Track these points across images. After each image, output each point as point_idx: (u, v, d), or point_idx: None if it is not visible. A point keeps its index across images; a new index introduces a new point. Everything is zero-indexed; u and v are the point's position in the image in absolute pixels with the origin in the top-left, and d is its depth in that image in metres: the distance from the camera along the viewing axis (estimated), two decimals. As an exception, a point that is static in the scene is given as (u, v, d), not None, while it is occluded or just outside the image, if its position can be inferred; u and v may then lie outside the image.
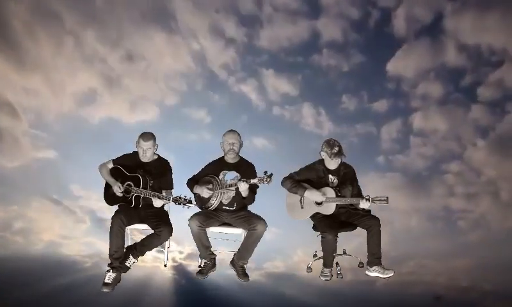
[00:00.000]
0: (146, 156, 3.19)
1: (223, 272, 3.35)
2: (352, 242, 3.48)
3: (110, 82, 6.22)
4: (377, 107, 6.68)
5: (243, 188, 3.01)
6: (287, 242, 5.12)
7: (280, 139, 6.58)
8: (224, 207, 3.21)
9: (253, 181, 2.96)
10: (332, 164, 3.21)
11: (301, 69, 6.64)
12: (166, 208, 3.32)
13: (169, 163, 3.33)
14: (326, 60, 6.63)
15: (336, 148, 3.13)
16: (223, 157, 3.33)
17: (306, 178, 3.29)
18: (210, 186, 3.12)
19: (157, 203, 3.05)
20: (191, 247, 3.48)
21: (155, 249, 3.17)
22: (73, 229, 5.61)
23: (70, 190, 5.82)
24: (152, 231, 3.09)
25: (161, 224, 3.05)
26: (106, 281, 2.93)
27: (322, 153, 3.21)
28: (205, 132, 6.36)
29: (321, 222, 3.22)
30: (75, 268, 5.03)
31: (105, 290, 2.91)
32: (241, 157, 3.33)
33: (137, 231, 3.29)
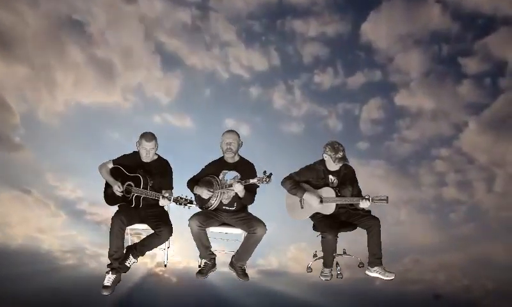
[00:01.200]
0: (149, 156, 3.18)
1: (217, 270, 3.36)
2: (352, 242, 3.49)
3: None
4: (353, 82, 5.99)
5: (238, 189, 3.01)
6: (281, 238, 4.99)
7: (252, 120, 6.06)
8: (224, 207, 3.21)
9: (252, 181, 2.96)
10: (334, 166, 3.21)
11: (267, 37, 6.00)
12: (165, 208, 3.32)
13: (169, 163, 3.33)
14: (292, 27, 6.02)
15: (341, 153, 3.13)
16: (223, 157, 3.33)
17: (306, 179, 3.29)
18: (211, 189, 3.12)
19: (163, 202, 3.05)
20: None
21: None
22: (50, 223, 5.30)
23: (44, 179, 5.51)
24: (152, 231, 3.08)
25: (161, 224, 3.05)
26: (106, 283, 2.93)
27: (325, 155, 3.21)
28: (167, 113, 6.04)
29: (321, 222, 3.22)
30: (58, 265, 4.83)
31: (105, 293, 2.90)
32: (241, 157, 3.33)
33: (137, 231, 3.30)
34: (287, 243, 5.05)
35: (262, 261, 4.60)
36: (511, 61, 5.58)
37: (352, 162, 3.28)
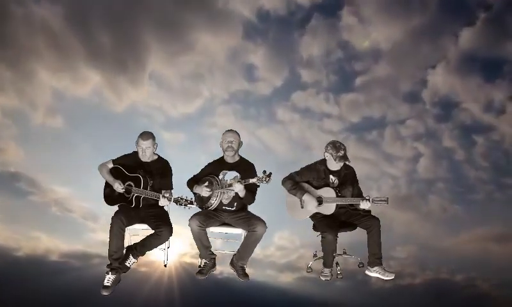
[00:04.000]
0: (145, 155, 3.18)
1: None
2: (351, 242, 3.49)
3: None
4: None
5: (238, 189, 3.01)
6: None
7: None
8: (224, 207, 3.21)
9: (252, 180, 2.96)
10: (335, 165, 3.22)
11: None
12: (165, 208, 3.31)
13: (169, 163, 3.33)
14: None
15: (342, 152, 3.14)
16: (223, 156, 3.33)
17: (306, 179, 3.29)
18: (207, 183, 3.12)
19: (163, 202, 3.05)
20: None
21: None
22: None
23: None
24: (152, 231, 3.08)
25: (161, 225, 3.04)
26: (105, 283, 2.92)
27: (327, 154, 3.21)
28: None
29: (321, 222, 3.22)
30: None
31: (104, 293, 2.90)
32: (241, 157, 3.33)
33: (137, 231, 3.29)
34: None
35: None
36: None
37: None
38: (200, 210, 3.21)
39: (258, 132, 6.08)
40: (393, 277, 3.13)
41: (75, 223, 5.36)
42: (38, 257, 4.93)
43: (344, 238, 3.29)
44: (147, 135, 3.17)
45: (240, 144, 3.29)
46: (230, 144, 3.22)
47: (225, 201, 3.21)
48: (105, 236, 3.03)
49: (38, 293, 3.83)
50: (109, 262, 2.98)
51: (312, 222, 3.38)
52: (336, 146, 3.17)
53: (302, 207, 3.31)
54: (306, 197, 3.20)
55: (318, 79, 6.02)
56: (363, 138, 6.00)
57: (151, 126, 5.33)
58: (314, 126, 6.08)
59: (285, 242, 5.28)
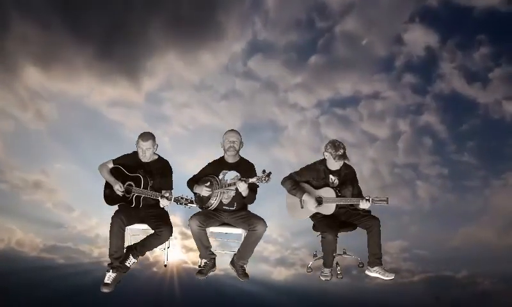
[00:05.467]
0: (145, 156, 3.19)
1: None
2: (352, 242, 3.48)
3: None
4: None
5: (242, 188, 3.01)
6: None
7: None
8: (224, 207, 3.22)
9: (252, 180, 2.96)
10: (334, 164, 3.22)
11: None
12: (165, 208, 3.30)
13: (169, 163, 3.34)
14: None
15: (341, 151, 3.14)
16: (223, 156, 3.33)
17: (306, 178, 3.29)
18: (208, 183, 3.12)
19: (164, 202, 3.05)
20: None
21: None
22: None
23: None
24: (152, 231, 3.08)
25: (161, 225, 3.05)
26: (106, 281, 2.93)
27: (326, 153, 3.22)
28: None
29: (321, 222, 3.22)
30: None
31: (104, 290, 2.90)
32: (241, 157, 3.34)
33: (137, 231, 3.29)
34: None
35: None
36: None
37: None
38: (200, 210, 3.21)
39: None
40: (393, 277, 3.12)
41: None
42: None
43: (344, 238, 3.30)
44: (147, 136, 3.18)
45: (241, 144, 3.29)
46: (232, 144, 3.22)
47: (225, 201, 3.21)
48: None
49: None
50: (109, 261, 2.99)
51: (312, 222, 3.38)
52: (335, 145, 3.17)
53: (302, 207, 3.31)
54: (306, 197, 3.20)
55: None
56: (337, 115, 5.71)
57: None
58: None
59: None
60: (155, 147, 3.25)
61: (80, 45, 5.70)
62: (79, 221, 5.48)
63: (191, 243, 3.24)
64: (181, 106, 6.09)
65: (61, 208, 5.61)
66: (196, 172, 3.35)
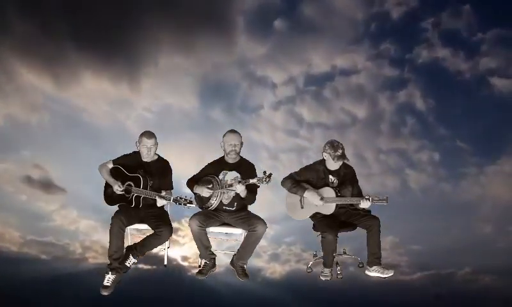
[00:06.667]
0: (150, 155, 3.19)
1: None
2: (352, 242, 3.48)
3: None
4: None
5: (240, 189, 3.01)
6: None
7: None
8: (224, 207, 3.22)
9: (252, 181, 2.96)
10: (334, 165, 3.22)
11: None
12: (165, 208, 3.31)
13: (169, 163, 3.34)
14: None
15: (340, 151, 3.14)
16: (223, 156, 3.33)
17: (306, 178, 3.29)
18: (210, 185, 3.12)
19: (160, 202, 3.05)
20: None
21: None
22: None
23: None
24: (152, 231, 3.09)
25: (161, 225, 3.05)
26: (105, 283, 2.93)
27: (325, 154, 3.21)
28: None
29: (321, 222, 3.23)
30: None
31: (104, 293, 2.90)
32: (241, 157, 3.33)
33: (137, 231, 3.29)
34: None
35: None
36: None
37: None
38: (200, 210, 3.21)
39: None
40: (392, 274, 3.13)
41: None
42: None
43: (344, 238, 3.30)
44: (150, 134, 3.18)
45: (241, 144, 3.29)
46: (233, 148, 3.21)
47: (225, 201, 3.21)
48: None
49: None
50: (109, 262, 2.98)
51: (312, 222, 3.38)
52: (334, 145, 3.17)
53: (302, 207, 3.31)
54: (307, 194, 3.19)
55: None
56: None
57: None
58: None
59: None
60: (157, 145, 3.24)
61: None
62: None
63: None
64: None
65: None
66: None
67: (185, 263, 4.23)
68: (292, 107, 5.30)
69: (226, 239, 3.46)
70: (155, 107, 5.76)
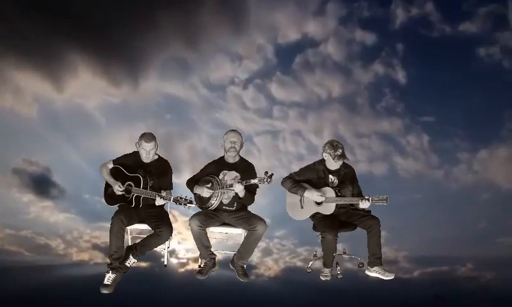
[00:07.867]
0: (149, 157, 3.19)
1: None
2: (352, 242, 3.47)
3: None
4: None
5: (238, 189, 3.01)
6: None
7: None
8: (224, 207, 3.22)
9: (253, 181, 2.97)
10: (334, 164, 3.22)
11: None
12: (165, 207, 3.31)
13: (169, 163, 3.34)
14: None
15: (340, 150, 3.14)
16: (223, 156, 3.33)
17: (306, 178, 3.29)
18: (209, 185, 3.12)
19: (159, 201, 3.05)
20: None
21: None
22: None
23: None
24: (152, 231, 3.09)
25: (161, 224, 3.05)
26: (106, 282, 2.93)
27: (325, 154, 3.21)
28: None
29: (321, 222, 3.22)
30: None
31: (104, 291, 2.90)
32: (241, 157, 3.34)
33: (137, 231, 3.29)
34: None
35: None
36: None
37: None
38: (200, 210, 3.21)
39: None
40: (393, 277, 3.13)
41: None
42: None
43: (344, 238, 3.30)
44: (150, 136, 3.17)
45: (242, 144, 3.29)
46: (233, 145, 3.22)
47: (225, 201, 3.21)
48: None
49: None
50: (109, 262, 2.99)
51: (311, 222, 3.38)
52: (333, 145, 3.17)
53: (302, 207, 3.31)
54: (307, 193, 3.19)
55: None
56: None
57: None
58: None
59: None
60: (157, 147, 3.24)
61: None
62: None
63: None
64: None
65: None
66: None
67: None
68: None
69: (226, 239, 3.46)
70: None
